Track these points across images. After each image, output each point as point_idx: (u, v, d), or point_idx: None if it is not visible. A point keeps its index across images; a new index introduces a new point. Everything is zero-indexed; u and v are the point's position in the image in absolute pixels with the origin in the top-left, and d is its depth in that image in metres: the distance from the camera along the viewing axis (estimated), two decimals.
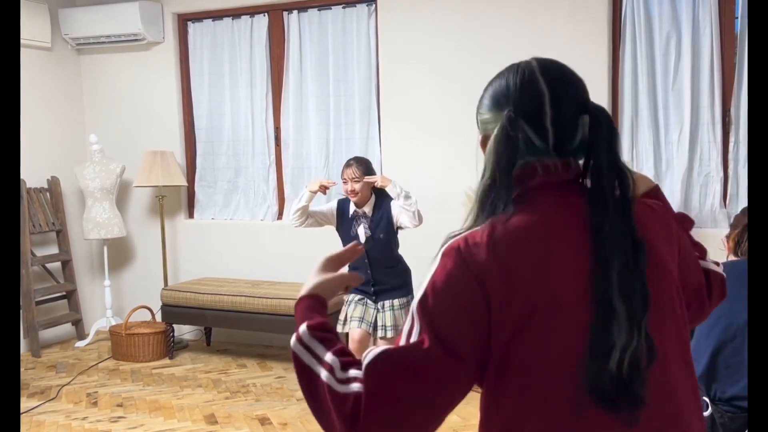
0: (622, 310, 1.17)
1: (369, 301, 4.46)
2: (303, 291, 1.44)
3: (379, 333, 4.44)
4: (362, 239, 4.40)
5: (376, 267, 4.43)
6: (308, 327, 1.29)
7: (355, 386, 1.17)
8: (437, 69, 5.43)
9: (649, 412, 1.18)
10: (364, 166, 4.40)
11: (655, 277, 1.24)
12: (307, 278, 1.49)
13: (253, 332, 5.91)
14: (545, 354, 1.19)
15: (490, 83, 1.38)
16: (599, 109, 1.31)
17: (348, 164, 4.41)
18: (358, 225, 4.45)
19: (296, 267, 5.90)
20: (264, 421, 4.47)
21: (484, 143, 1.35)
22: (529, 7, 5.12)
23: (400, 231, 4.54)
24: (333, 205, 4.57)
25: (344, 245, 4.57)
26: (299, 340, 1.29)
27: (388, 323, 4.41)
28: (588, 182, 1.30)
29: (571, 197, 1.29)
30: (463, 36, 5.33)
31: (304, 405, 4.68)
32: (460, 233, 1.28)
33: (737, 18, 4.73)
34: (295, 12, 5.94)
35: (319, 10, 5.87)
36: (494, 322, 1.20)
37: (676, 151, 4.94)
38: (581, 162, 1.33)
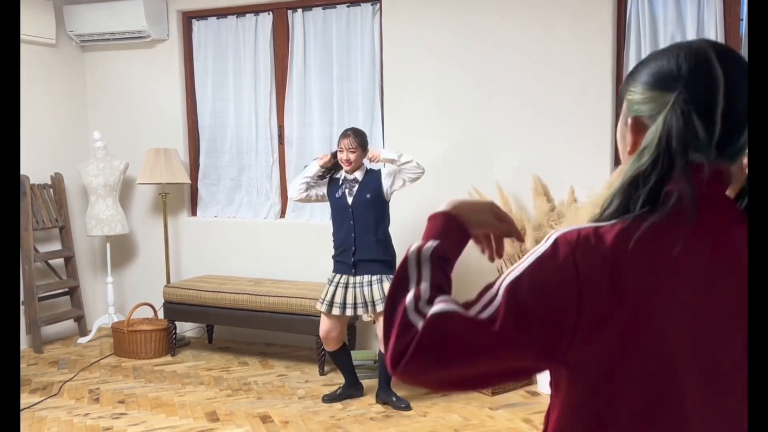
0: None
1: (349, 279, 4.59)
2: (446, 206, 1.31)
3: (369, 309, 4.58)
4: (349, 201, 4.64)
5: (360, 232, 4.60)
6: (435, 249, 1.20)
7: (421, 324, 1.10)
8: (441, 68, 5.42)
9: None
10: (360, 137, 4.66)
11: None
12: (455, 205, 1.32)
13: (255, 330, 5.91)
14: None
15: (651, 58, 1.20)
16: None
17: (345, 134, 4.66)
18: (344, 187, 4.66)
19: (298, 265, 5.92)
20: (265, 419, 4.47)
21: (636, 126, 1.18)
22: (534, 8, 5.11)
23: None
24: (326, 181, 4.80)
25: (332, 211, 4.67)
26: (419, 251, 1.20)
27: (377, 296, 4.54)
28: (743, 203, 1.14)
29: (728, 220, 1.13)
30: (467, 36, 5.33)
31: (306, 403, 4.70)
32: (585, 226, 1.13)
33: (742, 20, 4.72)
34: (299, 10, 5.94)
35: (323, 8, 5.86)
36: (581, 330, 1.08)
37: None
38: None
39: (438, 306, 1.11)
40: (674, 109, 1.11)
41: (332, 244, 4.73)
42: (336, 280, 4.63)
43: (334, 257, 4.70)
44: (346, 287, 4.59)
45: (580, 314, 1.06)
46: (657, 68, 1.16)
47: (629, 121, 1.19)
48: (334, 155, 4.71)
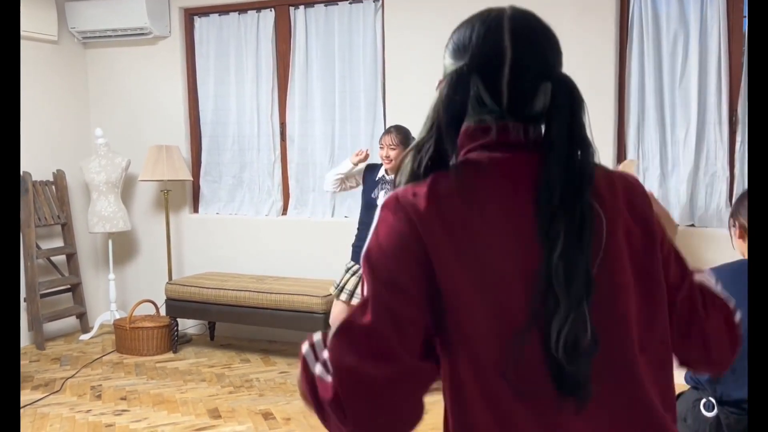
0: (562, 292, 1.11)
1: None
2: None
3: None
4: (380, 203, 4.48)
5: None
6: (323, 334, 1.26)
7: (330, 378, 1.15)
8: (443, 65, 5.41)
9: (601, 400, 1.14)
10: (402, 134, 4.60)
11: (608, 258, 1.17)
12: None
13: (257, 327, 5.92)
14: (483, 326, 1.14)
15: (459, 26, 1.29)
16: (562, 79, 1.22)
17: (388, 131, 4.65)
18: (381, 189, 4.62)
19: (300, 262, 5.92)
20: (267, 416, 4.47)
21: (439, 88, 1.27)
22: (537, 4, 5.08)
23: None
24: (362, 166, 4.81)
25: (362, 204, 4.67)
26: (311, 345, 1.25)
27: None
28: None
29: (524, 163, 1.21)
30: None
31: None
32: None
33: (745, 17, 4.71)
34: (301, 7, 5.93)
35: (325, 5, 5.86)
36: (436, 273, 1.14)
37: (683, 150, 4.93)
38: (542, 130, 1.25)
39: (330, 335, 1.18)
40: (448, 80, 1.21)
41: (355, 231, 4.74)
42: (355, 268, 4.64)
43: (354, 244, 4.70)
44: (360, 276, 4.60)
45: (428, 251, 1.14)
46: (457, 36, 1.26)
47: (437, 81, 1.27)
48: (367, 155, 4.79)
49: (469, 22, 1.25)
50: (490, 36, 1.20)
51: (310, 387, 1.20)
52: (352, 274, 4.66)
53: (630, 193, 1.25)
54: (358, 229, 4.73)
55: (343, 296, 4.65)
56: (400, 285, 1.14)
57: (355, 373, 1.12)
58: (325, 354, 1.19)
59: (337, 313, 4.71)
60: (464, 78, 1.19)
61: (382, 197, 4.59)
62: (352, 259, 4.70)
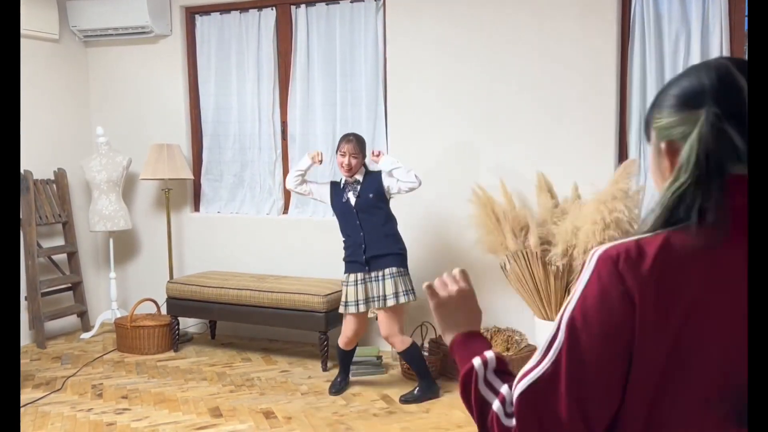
0: None
1: (365, 276, 4.63)
2: (457, 329, 1.36)
3: (379, 304, 4.62)
4: (353, 202, 4.67)
5: (368, 230, 4.64)
6: (496, 355, 1.26)
7: (513, 422, 1.14)
8: (444, 64, 5.41)
9: None
10: (362, 144, 4.70)
11: None
12: (445, 317, 1.38)
13: (258, 326, 5.92)
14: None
15: (672, 83, 1.18)
16: None
17: (348, 139, 4.66)
18: (349, 191, 4.69)
19: (301, 261, 5.92)
20: (268, 414, 4.47)
21: (670, 151, 1.15)
22: (539, 4, 5.10)
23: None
24: (327, 187, 4.82)
25: (338, 217, 4.66)
26: (485, 364, 1.24)
27: (389, 291, 4.57)
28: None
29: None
30: (471, 32, 5.31)
31: (309, 399, 4.70)
32: (626, 240, 1.12)
33: (747, 17, 4.70)
34: (302, 6, 5.93)
35: (326, 4, 5.86)
36: (637, 352, 1.07)
37: None
38: None
39: (517, 389, 1.14)
40: (707, 123, 1.09)
41: (342, 246, 4.75)
42: (351, 279, 4.65)
43: (345, 259, 4.71)
44: (360, 284, 4.63)
45: (635, 325, 1.06)
46: (681, 89, 1.15)
47: (662, 146, 1.16)
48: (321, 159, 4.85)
49: (689, 75, 1.16)
50: (723, 77, 1.12)
51: (480, 411, 1.21)
52: (352, 286, 4.64)
53: None
54: (345, 242, 4.74)
55: (351, 309, 4.63)
56: (601, 365, 1.08)
57: None
58: (503, 389, 1.19)
59: (350, 327, 4.70)
60: (720, 126, 1.08)
61: (352, 197, 4.66)
62: (346, 272, 4.70)
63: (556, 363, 1.10)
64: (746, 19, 4.72)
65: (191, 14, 6.35)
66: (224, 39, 6.23)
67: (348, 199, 4.67)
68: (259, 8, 6.07)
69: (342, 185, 4.73)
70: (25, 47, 5.97)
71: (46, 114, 6.24)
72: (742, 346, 1.06)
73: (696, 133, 1.09)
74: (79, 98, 6.59)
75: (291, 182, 4.83)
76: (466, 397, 1.24)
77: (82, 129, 6.61)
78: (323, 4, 5.86)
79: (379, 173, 4.68)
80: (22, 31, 5.90)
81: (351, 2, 5.78)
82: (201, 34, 6.34)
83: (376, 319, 4.86)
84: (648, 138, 1.22)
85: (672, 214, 1.10)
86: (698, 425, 1.08)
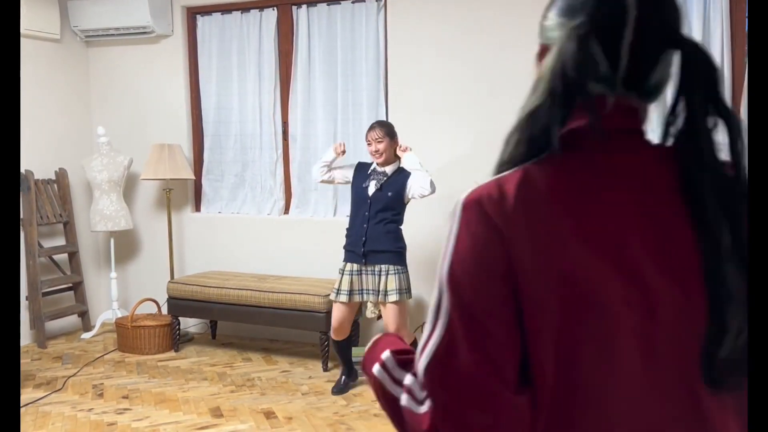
0: (741, 289, 1.00)
1: (361, 268, 4.63)
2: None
3: (379, 298, 4.61)
4: (370, 192, 4.63)
5: (373, 224, 4.61)
6: (391, 352, 1.18)
7: (427, 406, 1.05)
8: (446, 64, 5.41)
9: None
10: (386, 127, 4.67)
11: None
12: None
13: (259, 326, 5.92)
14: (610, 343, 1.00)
15: None
16: (693, 45, 1.04)
17: (371, 127, 4.67)
18: (372, 179, 4.65)
19: (302, 261, 5.92)
20: (269, 414, 4.47)
21: (542, 54, 1.12)
22: (540, 3, 5.09)
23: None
24: (352, 169, 4.83)
25: (352, 199, 4.62)
26: (383, 366, 1.17)
27: (390, 287, 4.57)
28: (664, 136, 1.07)
29: (643, 150, 1.06)
30: (472, 32, 5.31)
31: (309, 399, 4.70)
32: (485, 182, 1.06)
33: (747, 17, 4.70)
34: (304, 6, 5.93)
35: (328, 4, 5.86)
36: (523, 294, 1.01)
37: None
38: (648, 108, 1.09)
39: (420, 365, 1.06)
40: (571, 35, 1.03)
41: (345, 232, 4.76)
42: (347, 269, 4.66)
43: (345, 247, 4.72)
44: (355, 275, 4.64)
45: (512, 268, 1.00)
46: None
47: (539, 47, 1.13)
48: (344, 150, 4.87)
49: None
50: None
51: (394, 414, 1.12)
52: (347, 275, 4.65)
53: None
54: (348, 229, 4.74)
55: (342, 297, 4.64)
56: (491, 310, 1.01)
57: (458, 421, 1.02)
58: (407, 379, 1.10)
59: (338, 315, 4.71)
60: (585, 36, 1.02)
61: (372, 187, 4.63)
62: (345, 260, 4.70)
63: (449, 326, 1.03)
64: (746, 19, 4.71)
65: (192, 14, 6.35)
66: (225, 39, 6.24)
67: (368, 186, 4.64)
68: (261, 8, 6.08)
69: (369, 172, 4.69)
70: (27, 47, 5.98)
71: (48, 114, 6.25)
72: (661, 279, 1.00)
73: (558, 44, 1.04)
74: (80, 98, 6.60)
75: (317, 173, 4.86)
76: (382, 406, 1.16)
77: (84, 129, 6.61)
78: (324, 4, 5.87)
79: (407, 175, 4.61)
80: (23, 31, 5.90)
81: (352, 3, 5.78)
82: (202, 34, 6.34)
83: (378, 318, 4.86)
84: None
85: (525, 134, 1.04)
86: (621, 363, 1.00)
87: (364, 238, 4.60)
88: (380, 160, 4.62)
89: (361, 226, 4.62)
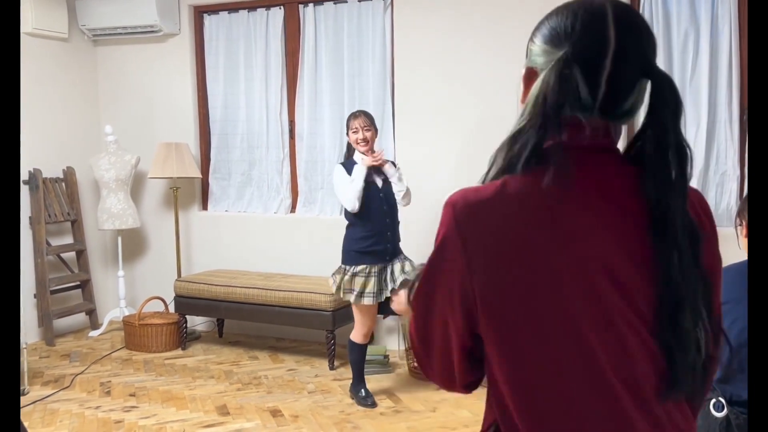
0: (689, 296, 1.09)
1: (385, 267, 4.53)
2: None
3: (392, 285, 4.54)
4: (379, 185, 4.55)
5: (392, 216, 4.59)
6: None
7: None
8: (453, 64, 5.41)
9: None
10: (371, 117, 4.60)
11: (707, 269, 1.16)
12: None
13: (266, 324, 5.93)
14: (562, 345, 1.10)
15: (555, 12, 1.21)
16: (664, 77, 1.14)
17: (356, 115, 4.55)
18: (373, 174, 4.53)
19: (309, 260, 5.92)
20: (275, 413, 4.48)
21: (528, 76, 1.20)
22: (546, 4, 5.08)
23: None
24: (343, 172, 4.53)
25: (365, 198, 4.47)
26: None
27: (406, 269, 4.53)
28: (632, 152, 1.19)
29: (612, 166, 1.16)
30: (479, 31, 5.31)
31: (315, 398, 4.70)
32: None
33: (747, 17, 4.68)
34: (310, 5, 5.93)
35: (334, 3, 5.86)
36: (480, 298, 1.12)
37: (693, 148, 4.85)
38: (621, 130, 1.21)
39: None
40: (554, 67, 1.11)
41: (355, 235, 4.52)
42: (373, 271, 4.47)
43: (363, 249, 4.48)
44: (381, 274, 4.51)
45: (473, 273, 1.11)
46: (555, 23, 1.18)
47: (523, 70, 1.21)
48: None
49: (569, 9, 1.17)
50: (594, 24, 1.12)
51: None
52: (373, 276, 4.48)
53: (705, 207, 1.25)
54: (364, 228, 4.50)
55: (368, 300, 4.47)
56: (449, 299, 1.16)
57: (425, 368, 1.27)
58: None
59: (369, 318, 4.57)
60: (566, 69, 1.11)
61: (379, 180, 4.54)
62: (368, 263, 4.47)
63: (416, 297, 1.20)
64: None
65: (200, 13, 6.36)
66: (232, 38, 6.24)
67: (374, 180, 4.52)
68: (267, 7, 6.08)
69: (360, 167, 4.46)
70: (34, 46, 6.00)
71: (55, 112, 6.27)
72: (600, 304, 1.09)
73: (543, 74, 1.12)
74: (88, 97, 6.62)
75: (356, 202, 4.42)
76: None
77: (91, 127, 6.63)
78: (331, 2, 5.87)
79: (391, 166, 4.60)
80: (31, 30, 5.93)
81: (359, 1, 5.78)
82: (209, 33, 6.35)
83: (384, 317, 4.83)
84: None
85: (513, 154, 1.12)
86: (563, 364, 1.10)
87: (389, 233, 4.51)
88: (365, 149, 4.48)
89: (383, 221, 4.49)
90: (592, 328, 1.08)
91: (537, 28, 1.22)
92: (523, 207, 1.10)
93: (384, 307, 4.57)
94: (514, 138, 1.12)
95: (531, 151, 1.10)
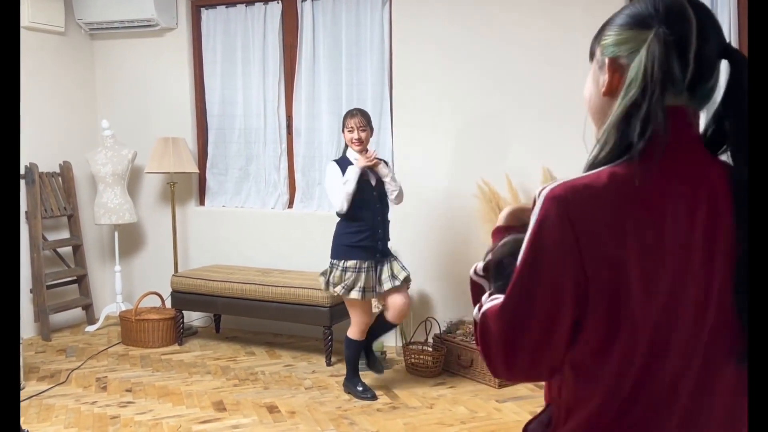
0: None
1: (376, 263, 4.56)
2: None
3: (392, 284, 4.56)
4: (373, 183, 4.56)
5: (384, 214, 4.61)
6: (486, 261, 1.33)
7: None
8: (451, 59, 5.39)
9: None
10: (367, 117, 4.59)
11: None
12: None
13: (263, 320, 5.92)
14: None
15: (625, 7, 1.24)
16: (742, 58, 1.16)
17: (352, 114, 4.55)
18: (368, 173, 4.55)
19: (306, 256, 5.91)
20: (272, 408, 4.47)
21: (612, 67, 1.20)
22: (545, 2, 5.08)
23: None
24: (337, 170, 4.53)
25: (359, 195, 4.47)
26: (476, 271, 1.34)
27: (396, 269, 4.57)
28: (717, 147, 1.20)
29: (701, 154, 1.18)
30: (477, 26, 5.29)
31: (312, 393, 4.70)
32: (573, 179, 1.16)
33: (747, 17, 4.67)
34: (308, 0, 5.91)
35: None
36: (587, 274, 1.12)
37: None
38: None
39: (485, 306, 1.24)
40: (656, 39, 1.13)
41: (347, 229, 4.54)
42: (364, 266, 4.49)
43: (355, 244, 4.50)
44: (374, 270, 4.55)
45: (586, 269, 1.10)
46: (633, 11, 1.20)
47: (606, 61, 1.20)
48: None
49: (640, 1, 1.21)
50: (676, 5, 1.15)
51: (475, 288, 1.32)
52: (364, 272, 4.49)
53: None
54: (357, 224, 4.51)
55: (369, 294, 4.52)
56: (560, 301, 1.14)
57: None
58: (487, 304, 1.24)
59: (366, 314, 4.58)
60: (667, 42, 1.13)
61: (372, 178, 4.55)
62: (355, 258, 4.48)
63: (509, 296, 1.18)
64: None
65: (197, 7, 6.34)
66: (230, 32, 6.22)
67: (369, 178, 4.54)
68: (265, 1, 6.06)
69: (354, 165, 4.47)
70: (31, 40, 5.98)
71: (52, 107, 6.25)
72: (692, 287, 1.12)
73: (646, 48, 1.13)
74: (84, 91, 6.60)
75: (345, 204, 4.46)
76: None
77: (88, 122, 6.61)
78: None
79: (383, 163, 4.63)
80: (27, 24, 5.90)
81: None
82: (207, 27, 6.33)
83: (382, 310, 4.81)
84: (591, 57, 1.27)
85: (625, 132, 1.12)
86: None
87: (380, 231, 4.55)
88: (359, 148, 4.51)
89: (375, 218, 4.53)
90: (692, 307, 1.13)
91: (609, 23, 1.24)
92: (623, 194, 1.11)
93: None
94: (628, 114, 1.12)
95: (641, 130, 1.11)
